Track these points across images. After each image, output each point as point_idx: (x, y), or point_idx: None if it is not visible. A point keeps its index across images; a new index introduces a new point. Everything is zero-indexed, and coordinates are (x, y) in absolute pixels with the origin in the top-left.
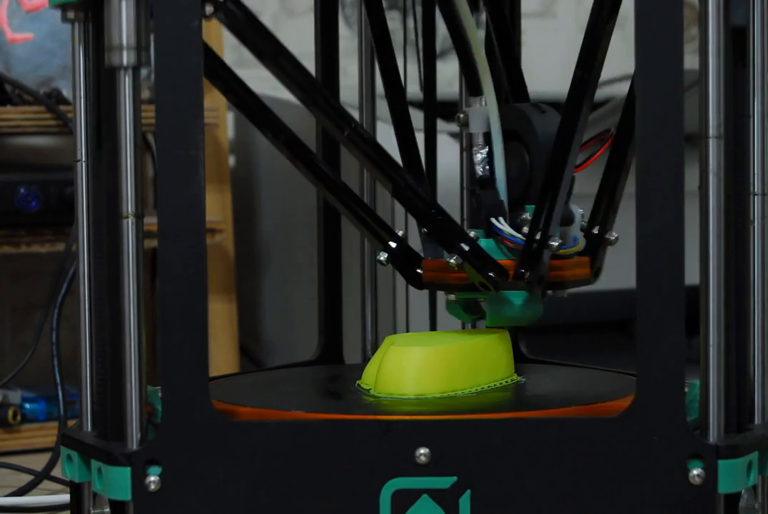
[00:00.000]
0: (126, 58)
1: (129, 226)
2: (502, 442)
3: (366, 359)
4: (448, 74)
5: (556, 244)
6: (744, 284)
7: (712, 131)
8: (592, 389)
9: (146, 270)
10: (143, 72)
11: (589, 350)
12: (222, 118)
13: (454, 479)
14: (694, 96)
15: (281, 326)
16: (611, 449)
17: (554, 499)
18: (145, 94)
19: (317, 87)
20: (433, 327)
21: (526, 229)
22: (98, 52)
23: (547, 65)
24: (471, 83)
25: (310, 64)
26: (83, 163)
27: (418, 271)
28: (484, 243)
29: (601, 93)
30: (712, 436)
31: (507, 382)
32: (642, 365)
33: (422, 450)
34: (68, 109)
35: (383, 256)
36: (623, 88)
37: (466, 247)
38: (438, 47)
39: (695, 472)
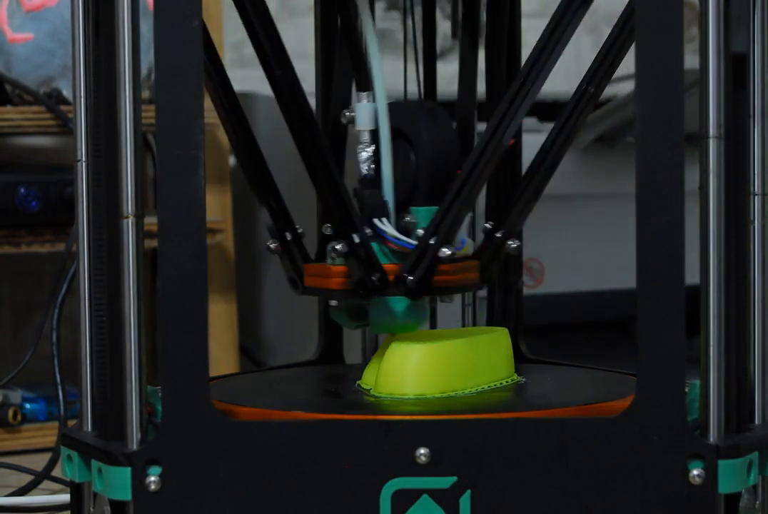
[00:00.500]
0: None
1: (129, 226)
2: (502, 442)
3: (366, 359)
4: (448, 74)
5: (447, 252)
6: (744, 284)
7: (712, 131)
8: (592, 389)
9: (146, 270)
10: (144, 72)
11: (589, 350)
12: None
13: (455, 479)
14: (694, 96)
15: (281, 326)
16: (611, 449)
17: (554, 499)
18: (146, 94)
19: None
20: (433, 326)
21: (417, 233)
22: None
23: None
24: (360, 77)
25: (310, 64)
26: (83, 163)
27: (301, 274)
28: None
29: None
30: (713, 436)
31: (507, 382)
32: (642, 365)
33: (422, 450)
34: (68, 109)
35: (273, 244)
36: (623, 88)
37: (357, 240)
38: (438, 47)
39: (695, 472)
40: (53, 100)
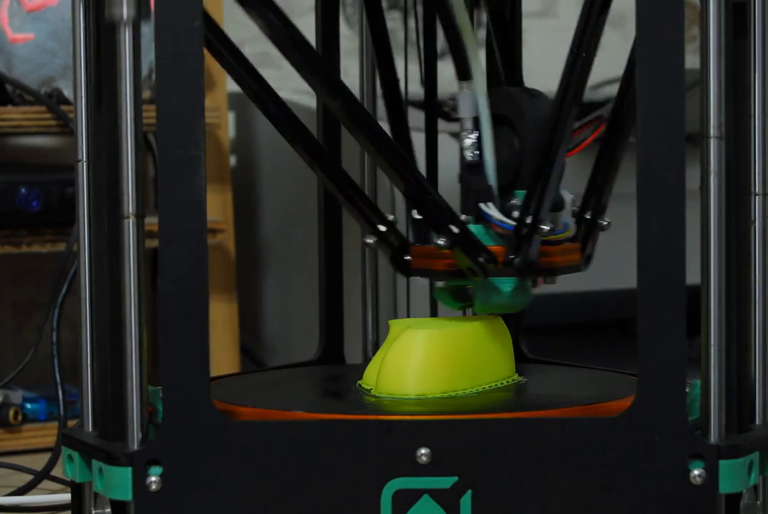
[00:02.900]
0: (126, 11)
1: (130, 226)
2: (502, 442)
3: (367, 360)
4: (449, 74)
5: (546, 229)
6: (744, 284)
7: (712, 131)
8: (593, 389)
9: (147, 270)
10: (144, 72)
11: (589, 350)
12: (223, 117)
13: (455, 479)
14: (695, 96)
15: (282, 326)
16: (611, 449)
17: (555, 499)
18: (146, 94)
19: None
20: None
21: (516, 214)
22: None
23: (548, 65)
24: (460, 67)
25: None
26: (84, 163)
27: (407, 257)
28: (474, 229)
29: (601, 93)
30: (713, 436)
31: (508, 382)
32: (643, 365)
33: (423, 450)
34: (69, 109)
35: (371, 239)
36: None
37: (456, 230)
38: (438, 47)
39: (696, 472)
40: (54, 100)
